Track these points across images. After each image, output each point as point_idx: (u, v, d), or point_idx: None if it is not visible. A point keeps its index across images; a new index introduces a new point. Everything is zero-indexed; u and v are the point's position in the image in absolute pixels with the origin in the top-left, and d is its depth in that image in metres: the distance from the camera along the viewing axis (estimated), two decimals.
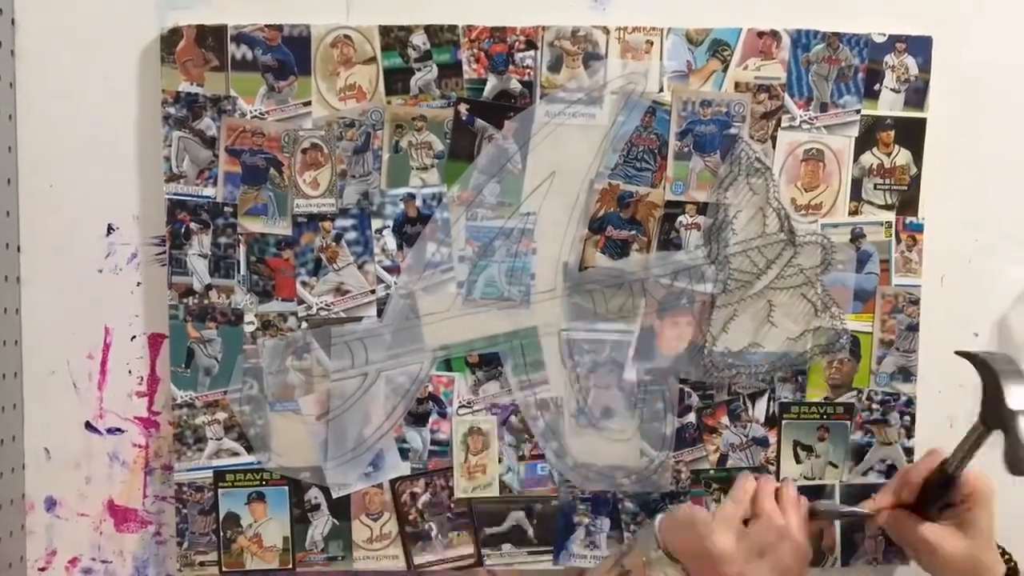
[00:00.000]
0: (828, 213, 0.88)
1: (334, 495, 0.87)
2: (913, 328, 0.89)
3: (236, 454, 0.87)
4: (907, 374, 0.90)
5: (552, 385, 0.88)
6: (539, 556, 0.89)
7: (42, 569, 0.89)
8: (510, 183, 0.86)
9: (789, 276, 0.88)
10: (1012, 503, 0.82)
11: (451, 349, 0.87)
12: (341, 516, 0.88)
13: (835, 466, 0.90)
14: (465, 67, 0.85)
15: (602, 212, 0.87)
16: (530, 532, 0.89)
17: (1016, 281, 0.91)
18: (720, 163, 0.87)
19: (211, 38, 0.84)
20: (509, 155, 0.86)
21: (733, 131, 0.87)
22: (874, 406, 0.90)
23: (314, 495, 0.87)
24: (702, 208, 0.87)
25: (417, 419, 0.88)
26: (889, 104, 0.88)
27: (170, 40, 0.84)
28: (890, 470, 0.90)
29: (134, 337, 0.88)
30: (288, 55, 0.85)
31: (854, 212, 0.88)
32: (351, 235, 0.86)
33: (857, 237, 0.88)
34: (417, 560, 0.88)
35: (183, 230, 0.85)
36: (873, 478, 0.90)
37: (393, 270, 0.87)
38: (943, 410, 0.90)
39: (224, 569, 0.88)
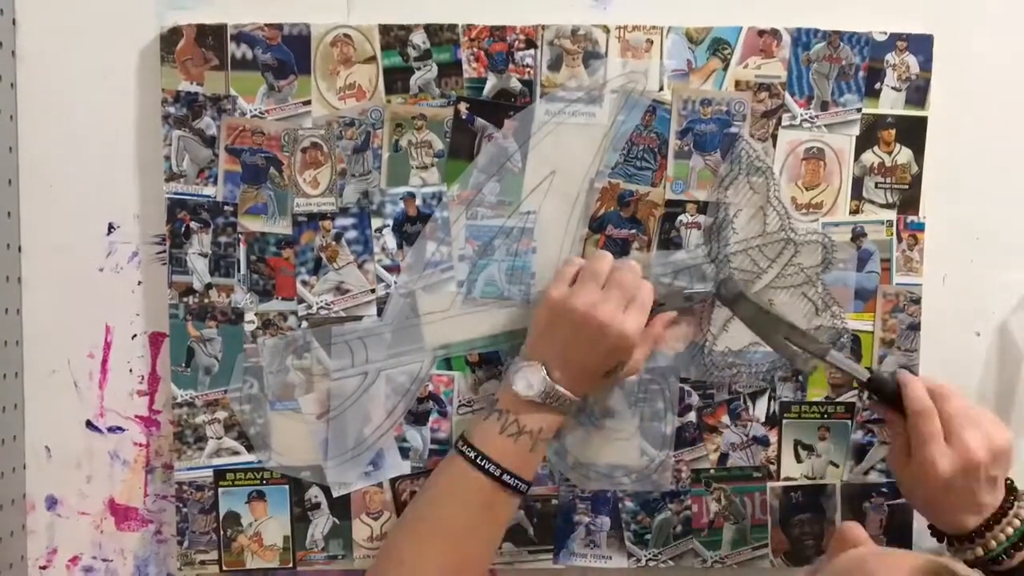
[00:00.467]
0: (829, 212, 0.88)
1: (334, 494, 0.87)
2: (914, 327, 0.89)
3: (236, 453, 0.87)
4: None
5: None
6: (539, 555, 0.89)
7: (43, 568, 0.89)
8: (510, 182, 0.86)
9: (790, 275, 0.88)
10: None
11: (451, 348, 0.87)
12: (341, 515, 0.88)
13: (836, 465, 0.90)
14: (465, 66, 0.85)
15: (602, 211, 0.87)
16: (530, 531, 0.88)
17: (1018, 282, 0.91)
18: (720, 162, 0.87)
19: (211, 37, 0.84)
20: (509, 154, 0.86)
21: (733, 130, 0.87)
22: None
23: (314, 494, 0.87)
24: (702, 207, 0.87)
25: (417, 418, 0.88)
26: (890, 103, 0.87)
27: (170, 39, 0.84)
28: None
29: (135, 336, 0.88)
30: (288, 54, 0.85)
31: (855, 211, 0.88)
32: (351, 234, 0.86)
33: (858, 236, 0.88)
34: None
35: (183, 229, 0.85)
36: (874, 477, 0.90)
37: (393, 269, 0.87)
38: None
39: (224, 568, 0.88)
